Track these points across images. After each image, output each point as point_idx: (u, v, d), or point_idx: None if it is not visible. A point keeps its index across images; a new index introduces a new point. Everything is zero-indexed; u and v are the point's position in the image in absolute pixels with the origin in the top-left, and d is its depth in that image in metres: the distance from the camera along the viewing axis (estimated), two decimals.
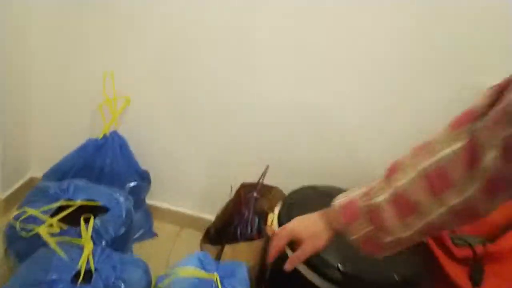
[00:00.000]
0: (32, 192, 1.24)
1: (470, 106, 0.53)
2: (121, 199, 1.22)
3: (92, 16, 1.39)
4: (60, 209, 1.20)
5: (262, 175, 1.42)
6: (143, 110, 1.50)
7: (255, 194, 1.37)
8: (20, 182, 1.66)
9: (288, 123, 1.42)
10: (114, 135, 1.47)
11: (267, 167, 1.40)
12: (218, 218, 1.37)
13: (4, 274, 1.20)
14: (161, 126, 1.53)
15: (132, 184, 1.51)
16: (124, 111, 1.49)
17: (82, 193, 1.22)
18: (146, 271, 1.12)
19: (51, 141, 1.63)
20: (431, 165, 0.53)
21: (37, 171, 1.65)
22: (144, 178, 1.58)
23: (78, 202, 1.20)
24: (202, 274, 1.07)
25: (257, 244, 1.23)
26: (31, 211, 1.11)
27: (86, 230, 1.12)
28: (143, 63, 1.43)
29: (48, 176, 1.47)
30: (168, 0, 1.31)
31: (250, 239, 1.31)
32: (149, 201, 1.66)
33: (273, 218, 1.25)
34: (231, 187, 1.39)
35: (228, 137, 1.50)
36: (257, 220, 1.31)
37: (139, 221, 1.57)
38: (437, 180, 0.52)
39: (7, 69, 1.42)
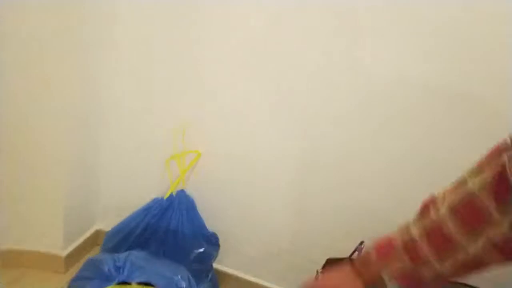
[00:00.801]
0: (86, 267, 1.08)
1: (498, 142, 0.52)
2: (183, 284, 1.00)
3: (162, 67, 1.24)
4: None
5: (354, 251, 1.14)
6: (214, 166, 1.30)
7: None
8: (85, 235, 1.55)
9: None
10: (181, 195, 1.29)
11: (362, 243, 1.12)
12: None
13: None
14: (234, 185, 1.31)
15: (199, 250, 1.30)
16: (193, 167, 1.30)
17: (139, 273, 1.02)
18: None
19: (119, 193, 1.50)
20: (462, 198, 0.53)
21: (103, 224, 1.53)
22: (212, 242, 1.36)
23: (134, 287, 1.00)
24: None
25: None
26: None
27: None
28: (217, 116, 1.24)
29: (110, 236, 1.34)
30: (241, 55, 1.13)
31: None
32: (218, 265, 1.44)
33: None
34: (317, 271, 1.11)
35: (312, 201, 1.24)
36: None
37: None
38: (467, 214, 0.52)
39: (82, 116, 1.33)
